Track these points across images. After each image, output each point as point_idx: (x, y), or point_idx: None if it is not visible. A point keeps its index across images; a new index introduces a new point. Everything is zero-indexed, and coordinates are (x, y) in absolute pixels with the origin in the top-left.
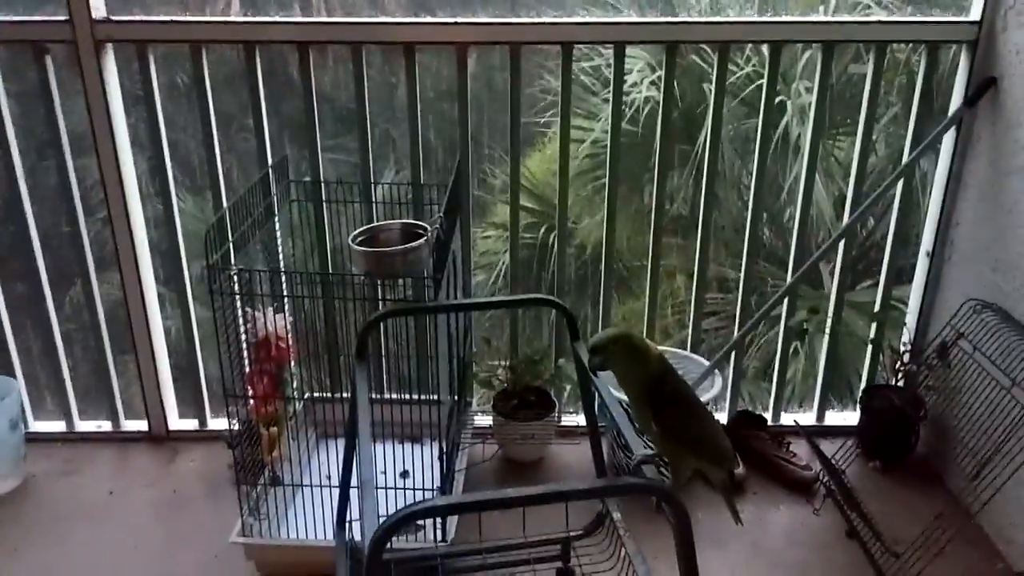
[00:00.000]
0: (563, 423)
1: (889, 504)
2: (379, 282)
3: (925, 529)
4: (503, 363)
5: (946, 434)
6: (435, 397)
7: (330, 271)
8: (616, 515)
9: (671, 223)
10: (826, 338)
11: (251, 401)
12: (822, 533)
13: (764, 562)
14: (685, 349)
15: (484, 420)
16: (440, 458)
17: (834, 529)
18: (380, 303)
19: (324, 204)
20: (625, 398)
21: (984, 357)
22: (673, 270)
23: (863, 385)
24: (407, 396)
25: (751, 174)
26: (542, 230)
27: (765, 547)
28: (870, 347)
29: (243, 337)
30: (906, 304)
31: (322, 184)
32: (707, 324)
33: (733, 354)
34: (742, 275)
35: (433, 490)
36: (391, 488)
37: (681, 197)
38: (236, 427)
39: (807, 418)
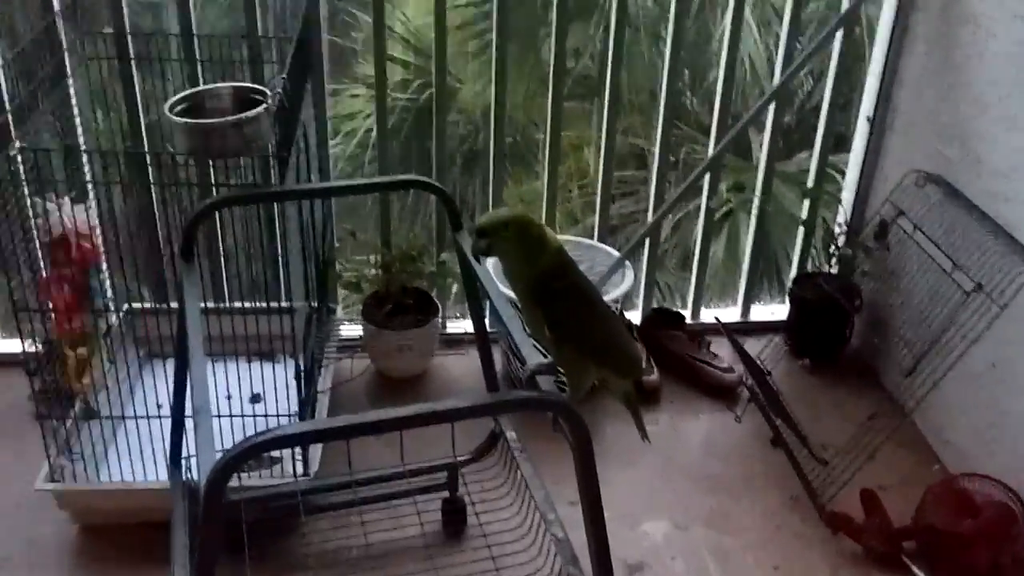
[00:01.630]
0: (448, 330)
1: (818, 406)
2: (209, 163)
3: (856, 432)
4: (373, 260)
5: (883, 326)
6: (287, 304)
7: (145, 149)
8: (510, 435)
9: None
10: (753, 219)
11: (51, 316)
12: (745, 442)
13: (679, 478)
14: (592, 238)
15: (352, 330)
16: (297, 377)
17: (758, 437)
18: (213, 190)
19: (132, 62)
20: (513, 295)
21: (925, 237)
22: (578, 142)
23: (793, 273)
24: (254, 305)
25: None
26: (419, 91)
27: (680, 462)
28: (801, 228)
29: (34, 235)
30: (843, 177)
31: (128, 36)
32: (618, 208)
33: (647, 242)
34: (657, 147)
35: (290, 416)
36: (240, 416)
37: (588, 54)
38: (35, 348)
39: (731, 314)
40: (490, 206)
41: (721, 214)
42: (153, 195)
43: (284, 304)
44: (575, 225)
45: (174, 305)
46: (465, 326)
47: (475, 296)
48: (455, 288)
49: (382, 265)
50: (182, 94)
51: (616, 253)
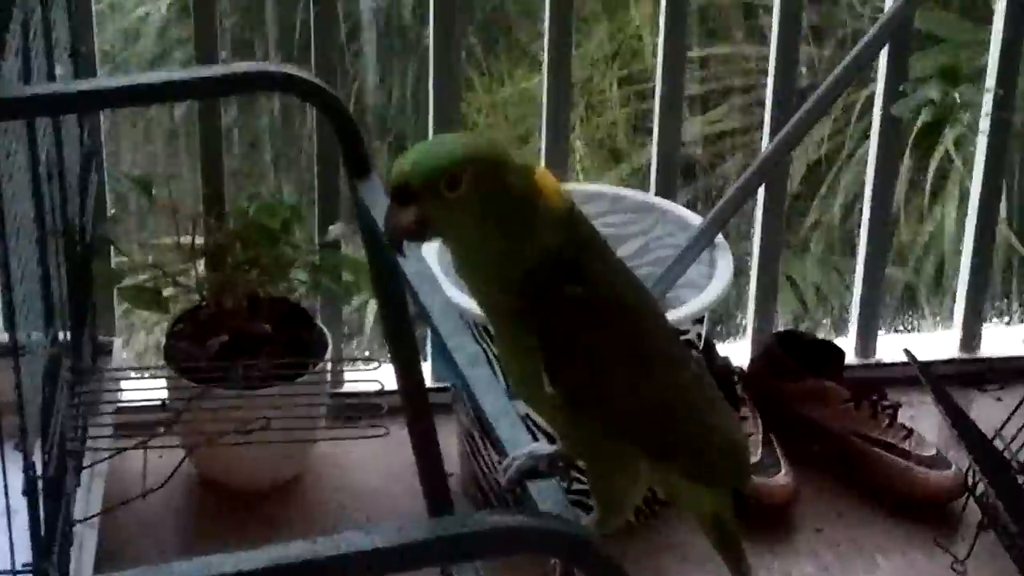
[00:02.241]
0: (346, 387)
1: None
2: None
3: None
4: (187, 242)
5: None
6: (6, 339)
7: None
8: None
9: None
10: (982, 145)
11: None
12: None
13: None
14: (647, 189)
15: (149, 387)
16: (29, 491)
17: None
18: None
19: None
20: (479, 312)
21: None
22: None
23: None
24: None
25: None
26: None
27: None
28: None
29: None
30: None
31: None
32: (703, 126)
33: (761, 196)
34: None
35: (17, 573)
36: None
37: None
38: None
39: (940, 344)
40: (429, 131)
41: (917, 131)
42: None
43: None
44: (615, 165)
45: None
46: (383, 377)
47: (399, 318)
48: (360, 299)
49: (207, 252)
50: None
51: (696, 219)
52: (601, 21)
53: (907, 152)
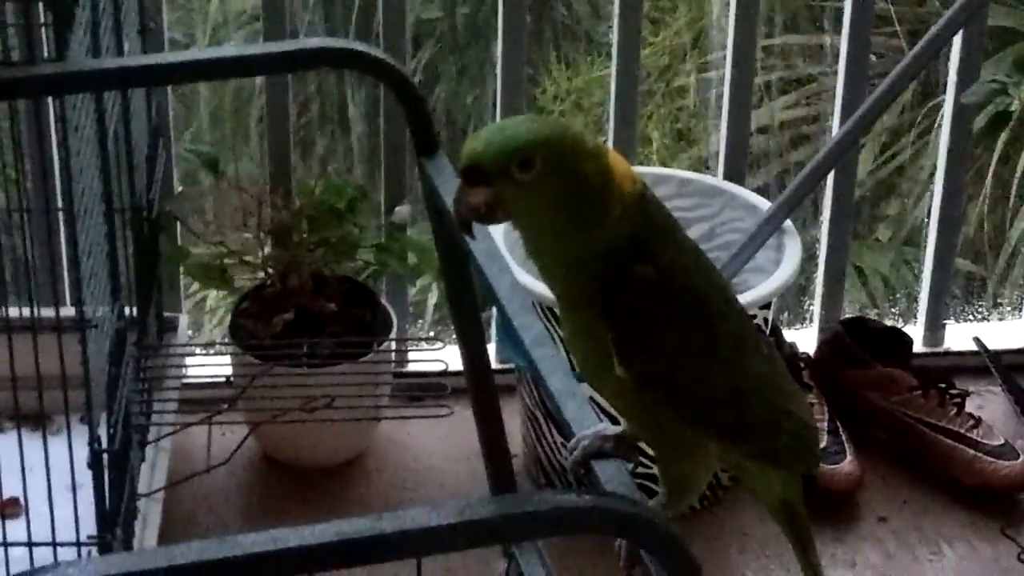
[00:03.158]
0: (411, 366)
1: None
2: None
3: None
4: (254, 220)
5: None
6: (74, 315)
7: None
8: (537, 571)
9: None
10: None
11: None
12: None
13: None
14: (716, 173)
15: (214, 364)
16: (94, 464)
17: None
18: None
19: None
20: (551, 296)
21: None
22: None
23: None
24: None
25: None
26: None
27: None
28: None
29: None
30: None
31: None
32: (774, 113)
33: (829, 181)
34: None
35: (80, 545)
36: None
37: None
38: None
39: (1011, 333)
40: (496, 115)
41: (984, 123)
42: None
43: (67, 313)
44: (685, 150)
45: None
46: (447, 358)
47: (466, 298)
48: (424, 281)
49: (273, 230)
50: None
51: (764, 203)
52: (680, 9)
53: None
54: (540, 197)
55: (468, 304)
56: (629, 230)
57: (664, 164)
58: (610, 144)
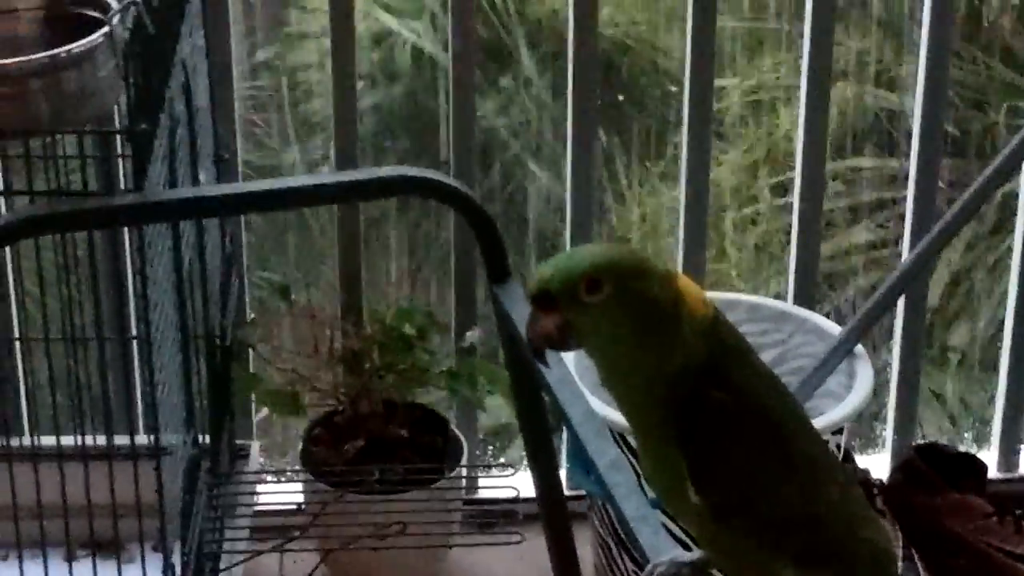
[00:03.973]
0: (481, 493)
1: None
2: None
3: None
4: (327, 347)
5: None
6: (149, 441)
7: None
8: None
9: None
10: None
11: None
12: None
13: None
14: (786, 299)
15: (286, 491)
16: None
17: None
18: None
19: None
20: (624, 422)
21: None
22: (765, 95)
23: None
24: (78, 442)
25: None
26: None
27: None
28: None
29: None
30: None
31: None
32: (848, 239)
33: (902, 305)
34: (919, 102)
35: None
36: None
37: None
38: None
39: None
40: (567, 242)
41: None
42: None
43: (142, 441)
44: (755, 275)
45: None
46: (519, 485)
47: (538, 424)
48: (495, 404)
49: (344, 357)
50: None
51: (835, 328)
52: (750, 121)
53: None
54: (609, 321)
55: (540, 430)
56: (702, 354)
57: (743, 281)
58: (680, 267)
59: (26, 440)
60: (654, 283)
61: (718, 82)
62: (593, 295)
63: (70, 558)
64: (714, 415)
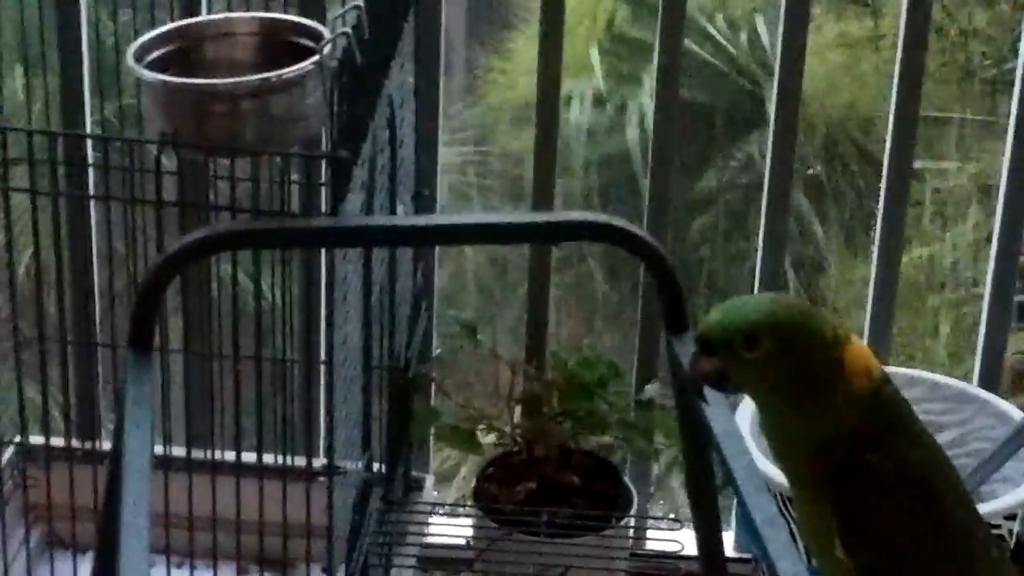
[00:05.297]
0: (649, 544)
1: None
2: (206, 162)
3: None
4: (507, 388)
5: None
6: (324, 463)
7: (86, 131)
8: None
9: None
10: None
11: None
12: None
13: None
14: (971, 380)
15: (455, 526)
16: None
17: None
18: (207, 216)
19: None
20: (785, 483)
21: None
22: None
23: None
24: (255, 458)
25: None
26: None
27: None
28: None
29: None
30: None
31: None
32: None
33: None
34: None
35: None
36: None
37: None
38: None
39: None
40: (755, 288)
41: None
42: (90, 221)
43: (318, 462)
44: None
45: (106, 444)
46: (685, 539)
47: (704, 480)
48: (669, 458)
49: (525, 400)
50: (163, 29)
51: (1017, 413)
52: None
53: None
54: (764, 377)
55: (706, 485)
56: (857, 421)
57: (951, 359)
58: (866, 337)
59: (207, 453)
60: (814, 347)
61: (941, 164)
62: (751, 351)
63: (240, 571)
64: (868, 477)
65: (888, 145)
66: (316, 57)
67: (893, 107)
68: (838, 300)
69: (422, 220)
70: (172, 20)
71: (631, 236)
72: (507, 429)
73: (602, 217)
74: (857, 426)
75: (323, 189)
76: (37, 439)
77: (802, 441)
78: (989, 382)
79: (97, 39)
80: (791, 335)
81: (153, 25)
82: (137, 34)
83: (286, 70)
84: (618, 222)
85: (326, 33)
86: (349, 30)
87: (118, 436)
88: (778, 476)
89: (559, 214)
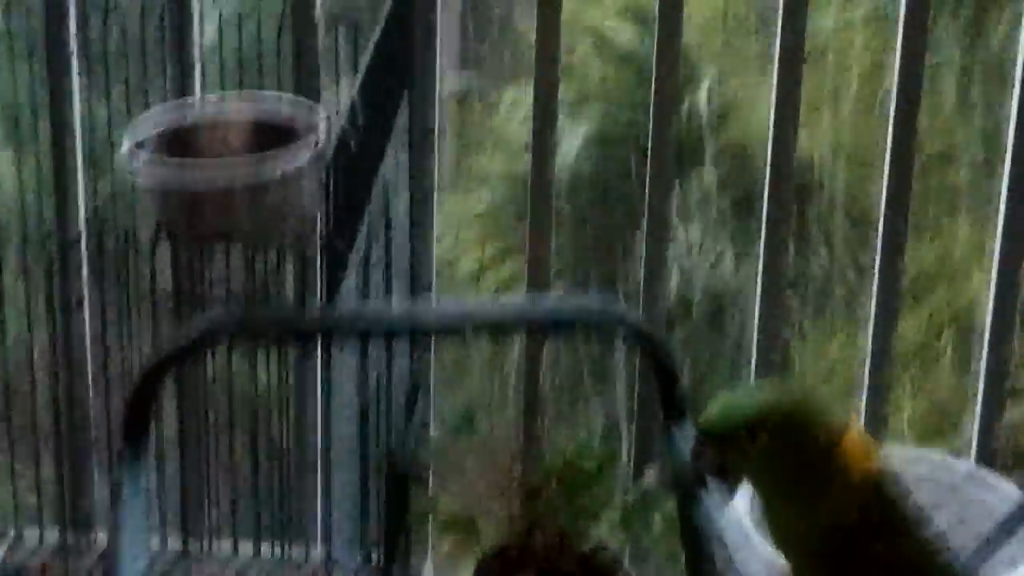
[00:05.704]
0: None
1: None
2: (199, 248)
3: None
4: (504, 478)
5: None
6: (324, 552)
7: (80, 221)
8: None
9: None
10: None
11: None
12: None
13: None
14: (967, 455)
15: None
16: None
17: None
18: (198, 308)
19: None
20: (786, 568)
21: None
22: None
23: None
24: (252, 547)
25: None
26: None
27: None
28: None
29: None
30: None
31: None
32: None
33: None
34: None
35: None
36: None
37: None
38: None
39: None
40: (752, 373)
41: None
42: (84, 315)
43: (315, 550)
44: (935, 434)
45: (100, 537)
46: None
47: (701, 564)
48: (669, 545)
49: (522, 488)
50: (154, 111)
51: (1018, 494)
52: (940, 283)
53: None
54: (764, 467)
55: (702, 571)
56: (857, 509)
57: (920, 441)
58: (862, 419)
59: (204, 543)
60: (815, 438)
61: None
62: (752, 442)
63: None
64: (869, 568)
65: (882, 220)
66: (313, 142)
67: (886, 182)
68: (809, 377)
69: (420, 311)
70: (165, 100)
71: (635, 329)
72: (504, 518)
73: (603, 307)
74: (857, 516)
75: (318, 278)
76: (31, 531)
77: (803, 530)
78: (987, 460)
79: (90, 117)
80: (791, 425)
81: (147, 106)
82: (130, 114)
83: (283, 162)
84: (619, 311)
85: (320, 114)
86: (346, 122)
87: (113, 540)
88: (779, 561)
89: (559, 298)
